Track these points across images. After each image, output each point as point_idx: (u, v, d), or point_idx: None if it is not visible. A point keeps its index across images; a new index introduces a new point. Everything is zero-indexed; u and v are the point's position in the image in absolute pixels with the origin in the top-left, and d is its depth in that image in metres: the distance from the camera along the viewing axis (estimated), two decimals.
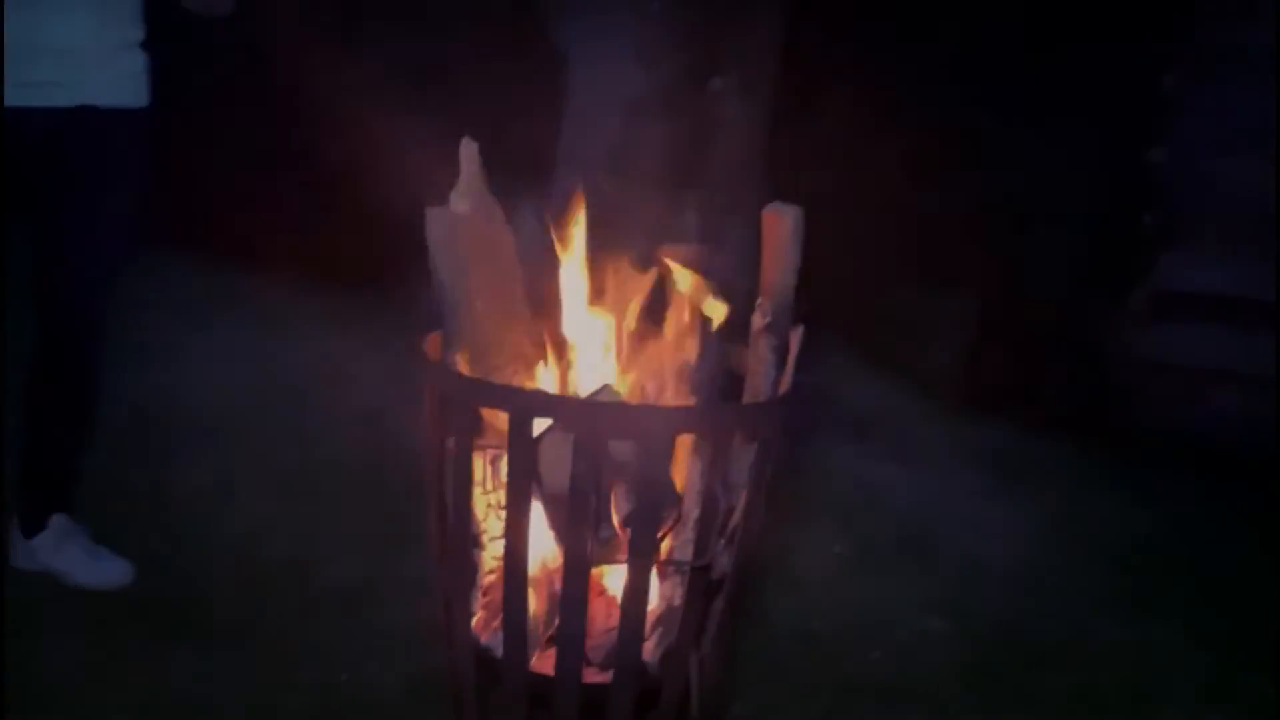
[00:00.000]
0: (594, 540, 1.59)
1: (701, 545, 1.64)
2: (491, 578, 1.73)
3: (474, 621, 1.73)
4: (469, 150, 1.94)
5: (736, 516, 1.73)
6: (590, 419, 1.57)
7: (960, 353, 4.24)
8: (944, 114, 4.19)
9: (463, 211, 1.87)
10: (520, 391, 1.67)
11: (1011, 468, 3.76)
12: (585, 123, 3.91)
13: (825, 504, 3.33)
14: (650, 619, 1.71)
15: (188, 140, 4.94)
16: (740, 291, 2.01)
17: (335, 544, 2.81)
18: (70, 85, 2.38)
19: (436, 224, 1.82)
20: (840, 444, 3.75)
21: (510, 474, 1.58)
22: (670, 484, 1.68)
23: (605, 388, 1.69)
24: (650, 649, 1.70)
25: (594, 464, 1.55)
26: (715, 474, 1.63)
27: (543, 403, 1.63)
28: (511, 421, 1.58)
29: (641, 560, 1.60)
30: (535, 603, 1.71)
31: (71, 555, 2.64)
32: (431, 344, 1.79)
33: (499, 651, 1.68)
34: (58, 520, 2.65)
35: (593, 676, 1.69)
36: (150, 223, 2.55)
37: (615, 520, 1.66)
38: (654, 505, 1.60)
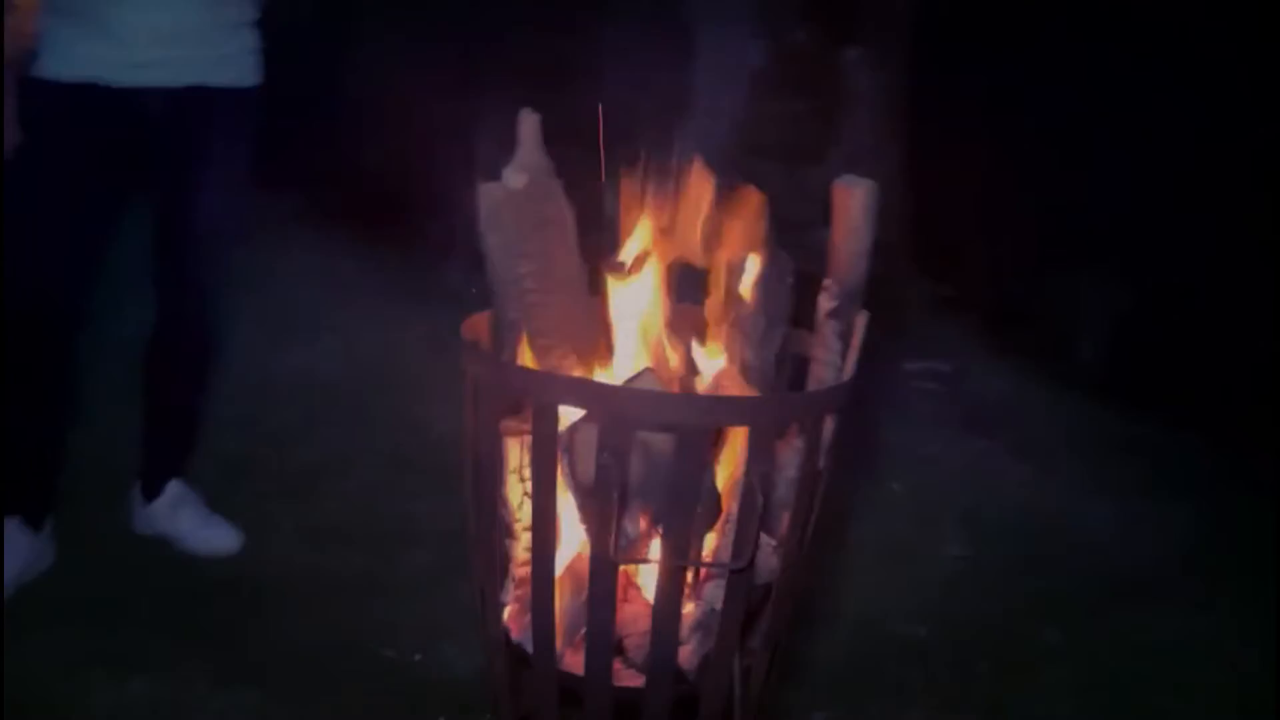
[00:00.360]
0: (620, 537, 1.50)
1: (740, 547, 1.52)
2: (526, 569, 1.65)
3: (506, 614, 1.66)
4: (529, 123, 1.86)
5: (786, 517, 1.60)
6: (617, 407, 1.47)
7: (1106, 342, 3.90)
8: (1098, 87, 3.86)
9: (517, 187, 1.79)
10: (542, 375, 1.58)
11: (1156, 467, 3.45)
12: (709, 99, 3.80)
13: (943, 502, 3.12)
14: (688, 622, 1.60)
15: (344, 119, 5.10)
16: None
17: (436, 522, 2.80)
18: (183, 65, 2.42)
19: (487, 200, 1.75)
20: (964, 437, 3.51)
21: (535, 462, 1.50)
22: (706, 479, 1.57)
23: (644, 372, 1.59)
24: (688, 654, 1.60)
25: (619, 455, 1.46)
26: (755, 470, 1.50)
27: (566, 388, 1.54)
28: (535, 407, 1.50)
29: (673, 560, 1.50)
30: (570, 598, 1.62)
31: (185, 521, 2.73)
32: (469, 325, 1.73)
33: (530, 647, 1.61)
34: (174, 486, 2.75)
35: (631, 680, 1.60)
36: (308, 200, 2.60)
37: (645, 516, 1.56)
38: (686, 501, 1.50)
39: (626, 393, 1.50)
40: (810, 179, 3.84)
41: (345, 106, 4.83)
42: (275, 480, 3.03)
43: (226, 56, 2.49)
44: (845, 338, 1.75)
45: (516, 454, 1.66)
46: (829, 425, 1.67)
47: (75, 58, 2.35)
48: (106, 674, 2.17)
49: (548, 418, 1.49)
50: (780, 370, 1.85)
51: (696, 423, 1.46)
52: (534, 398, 1.51)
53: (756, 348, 1.80)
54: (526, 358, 1.70)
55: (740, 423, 1.55)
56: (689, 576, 1.60)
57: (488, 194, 1.77)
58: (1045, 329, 4.01)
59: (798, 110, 3.73)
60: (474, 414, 1.62)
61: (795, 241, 3.71)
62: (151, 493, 2.75)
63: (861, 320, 1.74)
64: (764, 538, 1.64)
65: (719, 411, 1.53)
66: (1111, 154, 3.84)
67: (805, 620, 2.53)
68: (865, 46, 3.73)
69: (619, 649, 1.65)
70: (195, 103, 2.44)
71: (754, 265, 1.81)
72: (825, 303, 1.76)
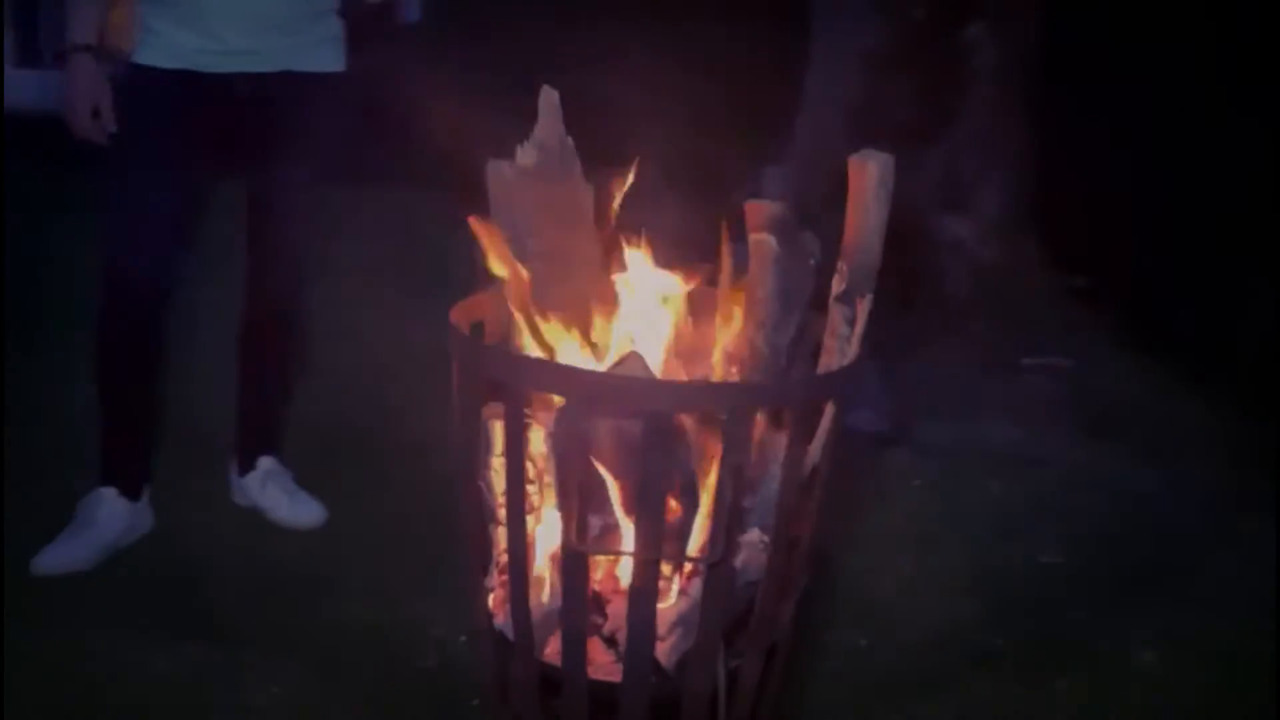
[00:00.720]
0: (586, 526, 1.45)
1: (714, 541, 1.45)
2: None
3: (491, 600, 1.64)
4: (549, 100, 1.83)
5: (773, 513, 1.52)
6: (577, 391, 1.41)
7: (1259, 346, 3.54)
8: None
9: (528, 165, 1.76)
10: (505, 356, 1.55)
11: None
12: (825, 79, 3.66)
13: (1043, 506, 2.91)
14: (670, 618, 1.54)
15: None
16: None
17: None
18: (269, 52, 2.50)
19: (496, 179, 1.73)
20: (1080, 439, 3.26)
21: (506, 449, 1.47)
22: (680, 469, 1.49)
23: (630, 356, 1.52)
24: (666, 650, 1.53)
25: (580, 441, 1.41)
26: (728, 461, 1.42)
27: (528, 370, 1.49)
28: (505, 392, 1.46)
29: (643, 552, 1.44)
30: (553, 588, 1.58)
31: (273, 494, 2.83)
32: (460, 309, 1.70)
33: (511, 633, 1.58)
34: (265, 462, 2.86)
35: (611, 674, 1.55)
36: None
37: (619, 507, 1.50)
38: (655, 491, 1.43)
39: (586, 376, 1.45)
40: (928, 161, 3.67)
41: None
42: (365, 459, 3.09)
43: (311, 43, 2.56)
44: (853, 322, 1.64)
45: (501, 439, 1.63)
46: (828, 415, 1.57)
47: (170, 47, 2.46)
48: (170, 635, 2.26)
49: (513, 400, 1.46)
50: (798, 356, 1.75)
51: (658, 409, 1.40)
52: (499, 379, 1.48)
53: (769, 332, 1.71)
54: (535, 337, 1.67)
55: (707, 410, 1.47)
56: (669, 571, 1.53)
57: (496, 172, 1.75)
58: (1186, 327, 3.67)
59: (915, 89, 3.55)
60: (458, 396, 1.60)
61: (911, 226, 3.56)
62: (246, 467, 2.87)
63: (864, 305, 1.62)
64: (757, 534, 1.56)
65: (683, 398, 1.46)
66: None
67: (868, 625, 2.42)
68: (989, 21, 3.51)
69: (611, 642, 1.60)
70: (282, 88, 2.51)
71: (768, 247, 1.72)
72: (836, 284, 1.65)
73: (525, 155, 1.79)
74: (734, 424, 1.42)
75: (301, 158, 2.60)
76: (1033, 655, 2.37)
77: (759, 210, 1.70)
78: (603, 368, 1.54)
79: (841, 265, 1.66)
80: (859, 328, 1.61)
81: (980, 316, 3.53)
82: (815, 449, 1.57)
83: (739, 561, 1.54)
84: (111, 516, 2.59)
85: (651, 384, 1.42)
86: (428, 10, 7.56)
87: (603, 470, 1.49)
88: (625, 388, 1.42)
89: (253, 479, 2.85)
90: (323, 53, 2.59)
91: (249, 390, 2.83)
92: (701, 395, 1.48)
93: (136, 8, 2.48)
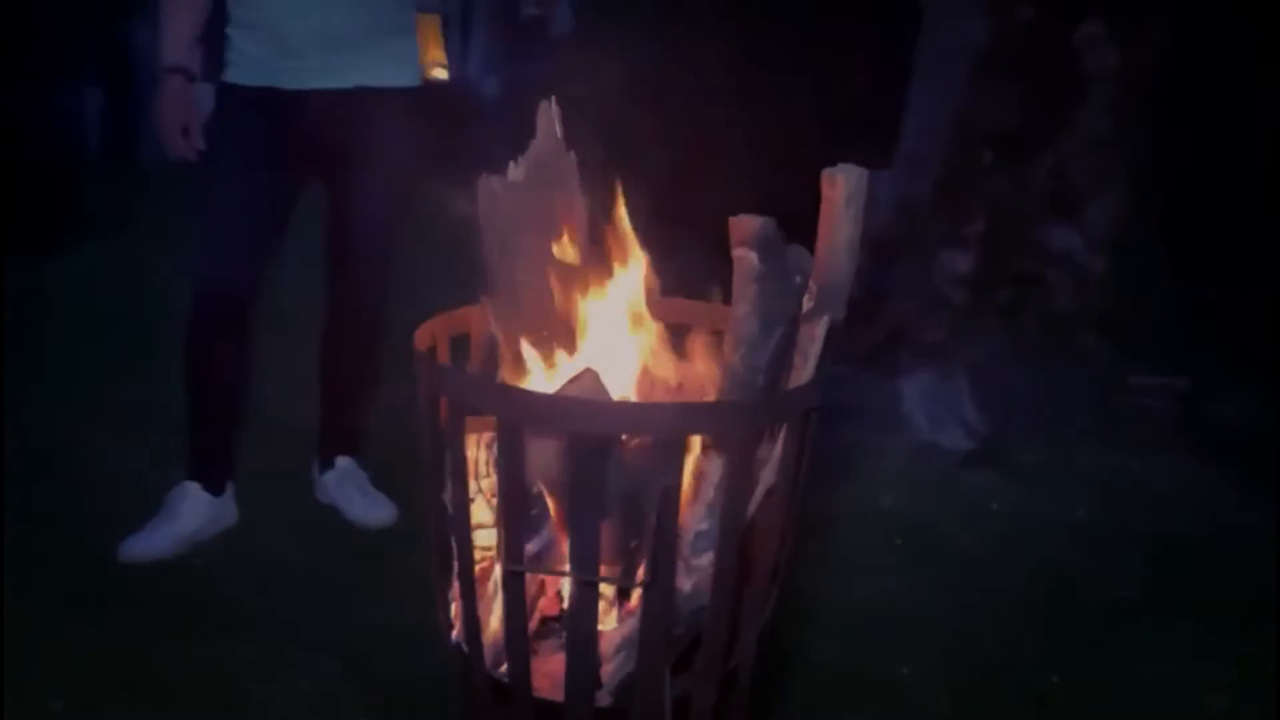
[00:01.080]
0: (516, 545, 1.44)
1: (650, 563, 1.41)
2: (480, 565, 1.63)
3: (453, 611, 1.65)
4: (547, 114, 1.83)
5: (711, 538, 1.47)
6: (508, 409, 1.41)
7: None
8: None
9: (517, 180, 1.77)
10: (447, 371, 1.55)
11: None
12: (932, 81, 3.52)
13: (1133, 536, 2.70)
14: (615, 640, 1.51)
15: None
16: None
17: None
18: (342, 69, 2.61)
19: (484, 193, 1.75)
20: (1188, 465, 3.02)
21: (449, 465, 1.48)
22: (614, 490, 1.46)
23: (585, 373, 1.51)
24: (610, 673, 1.51)
25: (513, 458, 1.40)
26: (658, 483, 1.38)
27: (464, 386, 1.49)
28: (448, 411, 1.47)
29: (577, 572, 1.42)
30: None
31: (348, 493, 2.94)
32: (425, 330, 1.71)
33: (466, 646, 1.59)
34: (342, 461, 2.97)
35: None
36: None
37: (555, 525, 1.49)
38: (586, 511, 1.41)
39: (517, 394, 1.44)
40: (1034, 169, 3.48)
41: None
42: None
43: (383, 60, 2.66)
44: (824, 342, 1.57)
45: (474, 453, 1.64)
46: (780, 437, 1.50)
47: (253, 65, 2.61)
48: (218, 626, 2.37)
49: (458, 422, 1.46)
50: (780, 374, 1.69)
51: (586, 430, 1.38)
52: (448, 401, 1.48)
53: (745, 351, 1.65)
54: (509, 351, 1.68)
55: (635, 431, 1.44)
56: (611, 593, 1.51)
57: (485, 187, 1.76)
58: None
59: (1024, 92, 3.36)
60: (422, 412, 1.62)
61: (1017, 237, 3.39)
62: (326, 465, 2.99)
63: (821, 325, 1.55)
64: (708, 559, 1.52)
65: (612, 418, 1.43)
66: None
67: (916, 655, 2.32)
68: (1106, 20, 3.29)
69: None
70: (357, 102, 2.62)
71: (750, 263, 1.67)
72: (805, 303, 1.59)
73: (516, 170, 1.80)
74: (663, 446, 1.38)
75: (375, 168, 2.69)
76: (1089, 697, 2.23)
77: (743, 225, 1.65)
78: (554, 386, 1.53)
79: (811, 284, 1.59)
80: (815, 349, 1.54)
81: (1089, 331, 3.32)
82: (769, 471, 1.51)
83: (689, 586, 1.50)
84: (193, 510, 2.74)
85: (577, 404, 1.40)
86: (578, 21, 7.69)
87: (543, 489, 1.48)
88: (552, 408, 1.40)
89: (330, 477, 2.97)
90: (395, 69, 2.69)
91: (330, 392, 2.95)
92: (630, 417, 1.45)
93: (227, 31, 2.64)
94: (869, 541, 2.76)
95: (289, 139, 2.61)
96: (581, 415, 1.39)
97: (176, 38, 2.63)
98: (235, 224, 2.64)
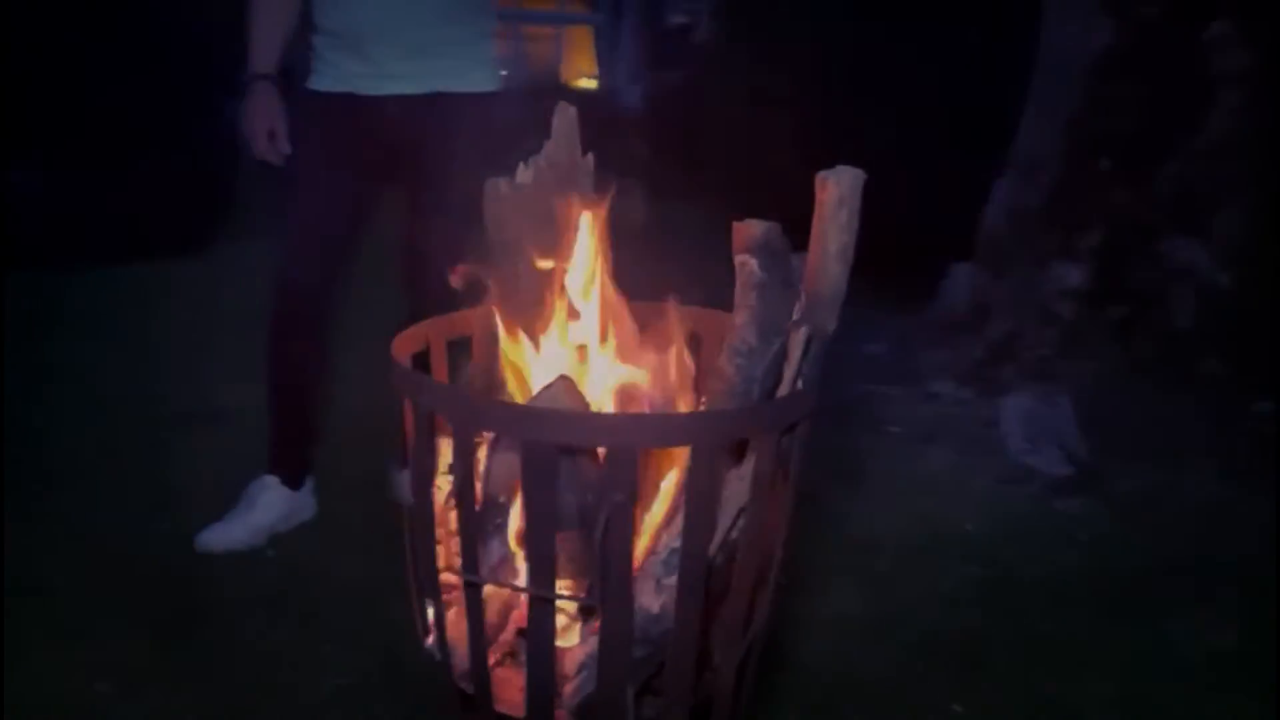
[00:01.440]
0: (471, 558, 1.40)
1: (601, 580, 1.36)
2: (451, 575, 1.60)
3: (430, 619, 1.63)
4: (564, 115, 1.80)
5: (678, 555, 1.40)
6: (465, 417, 1.37)
7: None
8: None
9: (524, 183, 1.74)
10: (417, 378, 1.52)
11: None
12: (1050, 85, 3.31)
13: (1232, 575, 2.46)
14: (577, 658, 1.46)
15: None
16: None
17: None
18: (420, 75, 2.64)
19: (491, 196, 1.73)
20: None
21: (414, 473, 1.46)
22: (571, 503, 1.41)
23: (558, 381, 1.46)
24: (571, 691, 1.45)
25: (467, 468, 1.37)
26: (609, 498, 1.32)
27: (437, 399, 1.46)
28: (415, 418, 1.45)
29: (533, 587, 1.37)
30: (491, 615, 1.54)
31: None
32: (402, 339, 1.69)
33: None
34: None
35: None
36: None
37: (512, 538, 1.44)
38: (541, 524, 1.36)
39: (477, 402, 1.41)
40: (1156, 178, 3.24)
41: None
42: None
43: (464, 66, 2.68)
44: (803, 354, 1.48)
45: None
46: (751, 454, 1.42)
47: (335, 71, 2.67)
48: (270, 618, 2.42)
49: (425, 428, 1.44)
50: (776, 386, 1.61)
51: (540, 440, 1.33)
52: (415, 410, 1.46)
53: (741, 360, 1.57)
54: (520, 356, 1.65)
55: (590, 444, 1.38)
56: (572, 609, 1.46)
57: (492, 189, 1.75)
58: None
59: (1145, 96, 3.13)
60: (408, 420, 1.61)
61: (1134, 250, 3.17)
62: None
63: (799, 336, 1.45)
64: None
65: (565, 429, 1.37)
66: None
67: (970, 693, 2.18)
68: (1235, 20, 3.03)
69: None
70: (436, 108, 2.65)
71: (750, 270, 1.59)
72: (795, 312, 1.50)
73: (524, 173, 1.77)
74: (613, 459, 1.33)
75: (455, 178, 2.71)
76: None
77: (745, 230, 1.58)
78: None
79: (800, 292, 1.50)
80: (793, 359, 1.45)
81: (1211, 352, 3.05)
82: (742, 489, 1.43)
83: (657, 606, 1.44)
84: (270, 503, 2.82)
85: (526, 412, 1.35)
86: (715, 29, 7.66)
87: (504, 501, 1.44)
88: (507, 417, 1.37)
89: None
90: (474, 74, 2.70)
91: None
92: (584, 428, 1.39)
93: (312, 39, 2.71)
94: (944, 568, 2.62)
95: (368, 144, 2.66)
96: (531, 423, 1.35)
97: (265, 47, 2.71)
98: (315, 226, 2.70)
